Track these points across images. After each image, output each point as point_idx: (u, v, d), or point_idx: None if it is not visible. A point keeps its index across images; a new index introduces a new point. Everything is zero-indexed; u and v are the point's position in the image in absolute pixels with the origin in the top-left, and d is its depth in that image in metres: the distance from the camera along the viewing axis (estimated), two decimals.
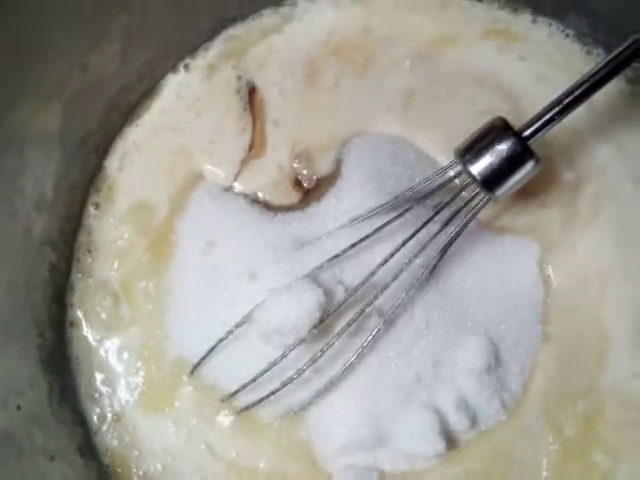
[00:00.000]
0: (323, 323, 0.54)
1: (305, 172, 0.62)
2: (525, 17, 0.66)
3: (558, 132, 0.55)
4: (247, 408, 0.57)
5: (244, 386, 0.56)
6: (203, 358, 0.58)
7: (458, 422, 0.56)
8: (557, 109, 0.52)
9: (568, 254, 0.60)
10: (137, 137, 0.65)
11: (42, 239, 0.60)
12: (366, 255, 0.58)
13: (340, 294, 0.56)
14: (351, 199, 0.60)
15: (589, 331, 0.59)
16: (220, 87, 0.65)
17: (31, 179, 0.57)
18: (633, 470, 0.56)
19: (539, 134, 0.52)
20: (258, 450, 0.58)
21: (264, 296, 0.55)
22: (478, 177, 0.52)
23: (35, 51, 0.53)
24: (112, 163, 0.64)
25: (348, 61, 0.65)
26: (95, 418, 0.60)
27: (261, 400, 0.56)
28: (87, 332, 0.62)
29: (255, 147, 0.63)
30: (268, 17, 0.68)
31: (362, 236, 0.56)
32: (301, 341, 0.54)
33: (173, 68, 0.66)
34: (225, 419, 0.58)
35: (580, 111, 0.53)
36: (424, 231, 0.55)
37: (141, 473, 0.58)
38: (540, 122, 0.52)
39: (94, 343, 0.61)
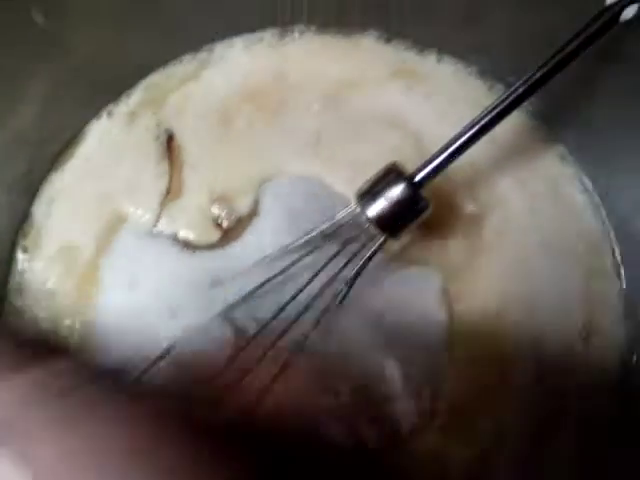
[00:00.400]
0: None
1: (224, 213, 0.65)
2: (431, 57, 0.70)
3: (458, 167, 0.58)
4: None
5: None
6: None
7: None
8: (447, 153, 0.56)
9: (472, 284, 0.64)
10: (63, 183, 0.67)
11: None
12: (279, 291, 0.61)
13: (252, 330, 0.60)
14: (267, 238, 0.64)
15: (492, 359, 0.62)
16: (140, 133, 0.67)
17: None
18: None
19: (430, 178, 0.56)
20: None
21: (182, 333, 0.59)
22: (373, 220, 0.56)
23: None
24: (39, 208, 0.67)
25: (261, 106, 0.68)
26: None
27: None
28: None
29: (173, 191, 0.66)
30: (187, 63, 0.70)
31: (275, 273, 0.60)
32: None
33: (97, 115, 0.68)
34: None
35: (481, 145, 0.56)
36: (331, 266, 0.59)
37: None
38: (430, 167, 0.56)
39: None
